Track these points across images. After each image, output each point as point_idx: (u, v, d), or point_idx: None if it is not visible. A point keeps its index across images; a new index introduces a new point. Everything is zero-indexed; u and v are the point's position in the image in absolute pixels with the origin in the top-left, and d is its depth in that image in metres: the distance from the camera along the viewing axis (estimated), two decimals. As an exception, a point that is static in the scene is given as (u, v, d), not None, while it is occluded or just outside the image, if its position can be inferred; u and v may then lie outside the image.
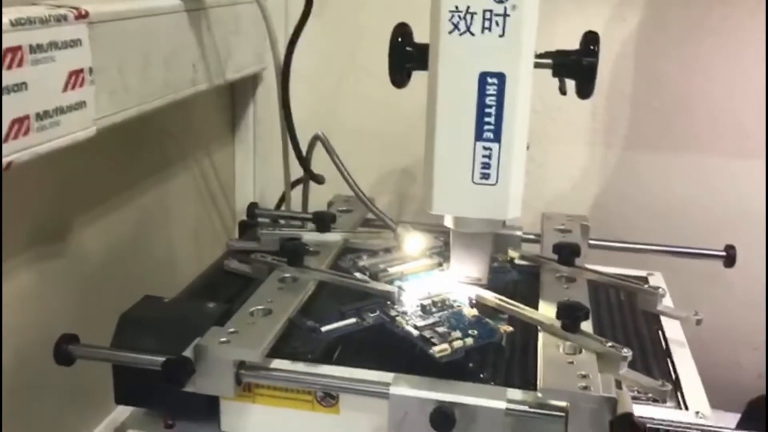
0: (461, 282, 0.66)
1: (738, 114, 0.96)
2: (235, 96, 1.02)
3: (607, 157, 1.01)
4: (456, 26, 0.57)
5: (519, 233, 0.82)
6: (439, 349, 0.54)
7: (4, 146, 0.51)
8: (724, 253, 0.79)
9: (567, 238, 0.78)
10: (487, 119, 0.58)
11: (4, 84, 0.51)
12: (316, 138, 0.78)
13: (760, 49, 0.93)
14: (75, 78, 0.58)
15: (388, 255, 0.72)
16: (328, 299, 0.67)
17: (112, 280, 0.77)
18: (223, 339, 0.55)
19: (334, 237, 0.76)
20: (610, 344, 0.54)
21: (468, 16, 0.56)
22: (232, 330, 0.56)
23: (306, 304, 0.64)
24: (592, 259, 0.80)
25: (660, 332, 0.67)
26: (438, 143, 0.59)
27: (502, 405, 0.51)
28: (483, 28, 0.56)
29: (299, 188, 0.98)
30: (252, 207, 0.90)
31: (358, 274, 0.68)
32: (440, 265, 0.70)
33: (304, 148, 0.88)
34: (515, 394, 0.54)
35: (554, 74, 0.64)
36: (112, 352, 0.58)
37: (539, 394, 0.50)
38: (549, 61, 0.62)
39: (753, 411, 0.92)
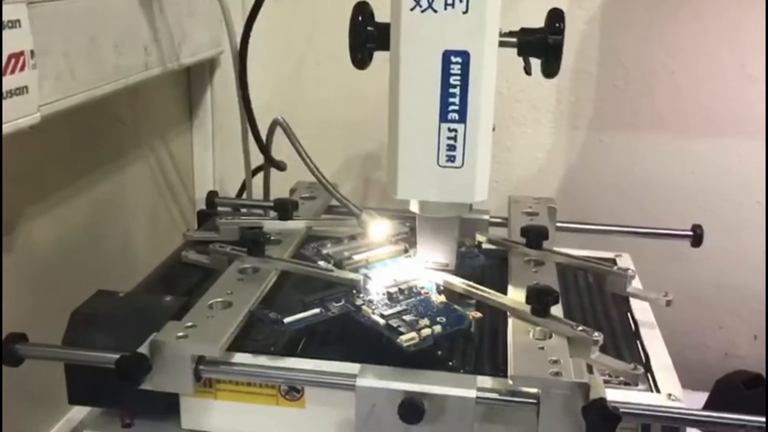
0: (428, 268, 0.64)
1: (701, 92, 0.96)
2: (192, 81, 0.99)
3: (572, 139, 1.01)
4: (418, 2, 0.54)
5: (486, 217, 0.81)
6: (407, 338, 0.53)
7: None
8: (691, 233, 0.79)
9: (534, 222, 0.77)
10: (451, 99, 0.56)
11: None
12: (275, 123, 0.76)
13: (724, 25, 0.93)
14: (15, 61, 0.55)
15: (353, 242, 0.70)
16: (291, 290, 0.65)
17: (64, 274, 0.73)
18: (180, 334, 0.52)
19: (296, 225, 0.73)
20: (580, 328, 0.52)
21: (430, -8, 0.54)
22: (189, 324, 0.54)
23: (268, 295, 0.62)
24: (559, 242, 0.79)
25: (629, 315, 0.66)
26: (402, 126, 0.57)
27: (472, 394, 0.49)
28: (446, 5, 0.54)
29: (261, 176, 0.95)
30: (211, 196, 0.88)
31: (322, 263, 0.66)
32: (406, 251, 0.68)
33: (264, 135, 0.85)
34: (485, 381, 0.52)
35: (519, 53, 0.62)
36: (63, 351, 0.55)
37: (510, 382, 0.48)
38: (514, 39, 0.61)
39: (721, 390, 0.92)
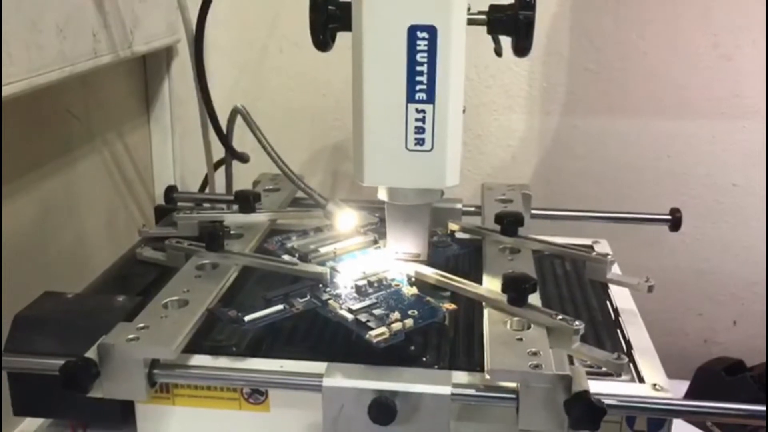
0: (399, 259, 0.61)
1: (674, 73, 0.93)
2: (148, 71, 0.94)
3: (545, 125, 0.98)
4: (381, -26, 0.51)
5: (459, 206, 0.77)
6: (376, 334, 0.49)
7: None
8: (669, 217, 0.77)
9: (509, 209, 0.74)
10: (418, 78, 0.53)
11: None
12: (235, 111, 0.72)
13: (695, 4, 0.91)
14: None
15: (319, 234, 0.66)
16: (253, 286, 0.61)
17: (9, 278, 0.69)
18: (131, 336, 0.48)
19: (259, 218, 0.70)
20: (560, 317, 0.49)
21: (393, -37, 0.51)
22: (141, 325, 0.50)
23: (228, 292, 0.58)
24: (535, 230, 0.77)
25: (609, 302, 0.63)
26: (367, 108, 0.54)
27: (446, 390, 0.46)
28: (410, -24, 0.51)
29: (224, 170, 0.91)
30: (170, 191, 0.83)
31: (286, 257, 0.62)
32: (376, 242, 0.64)
33: (225, 126, 0.81)
34: (461, 377, 0.49)
35: (489, 31, 0.59)
36: (3, 357, 0.51)
37: (487, 376, 0.45)
38: (483, 17, 0.57)
39: (702, 378, 0.91)
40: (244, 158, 0.85)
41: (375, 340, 0.49)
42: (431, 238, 0.66)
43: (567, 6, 0.92)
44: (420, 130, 0.54)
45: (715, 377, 0.88)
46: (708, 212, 0.97)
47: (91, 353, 0.48)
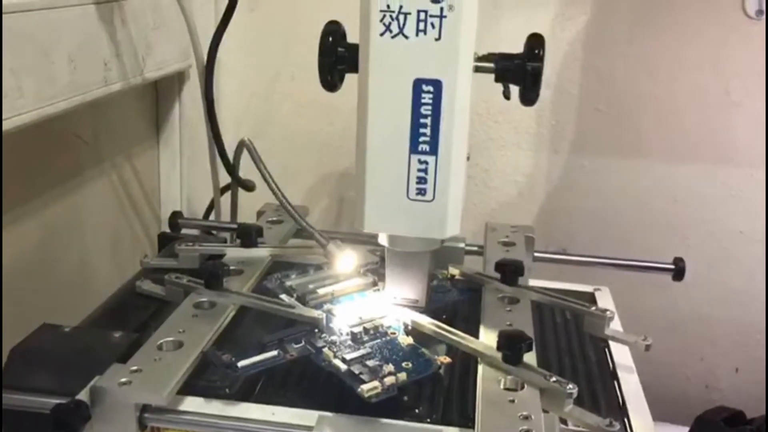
0: (397, 304, 0.61)
1: (685, 117, 0.93)
2: (160, 95, 0.95)
3: (553, 163, 0.98)
4: (388, 28, 0.51)
5: (462, 245, 0.77)
6: (369, 388, 0.49)
7: None
8: (672, 266, 0.76)
9: (511, 252, 0.73)
10: (422, 130, 0.53)
11: None
12: (242, 144, 0.72)
13: (707, 50, 0.90)
14: (-49, 80, 0.51)
15: (319, 273, 0.66)
16: (250, 325, 0.61)
17: (13, 301, 0.69)
18: (123, 380, 0.48)
19: (260, 253, 0.70)
20: (554, 379, 0.49)
21: (401, 17, 0.51)
22: (135, 368, 0.50)
23: (225, 332, 0.58)
24: (537, 271, 0.76)
25: (608, 356, 0.63)
26: (369, 156, 0.54)
27: (436, 452, 0.46)
28: (417, 31, 0.51)
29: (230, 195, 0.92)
30: (174, 217, 0.84)
31: (284, 296, 0.62)
32: (375, 284, 0.64)
33: (231, 145, 0.81)
34: (452, 435, 0.49)
35: (497, 80, 0.59)
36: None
37: (476, 442, 0.45)
38: (491, 65, 0.57)
39: (701, 427, 0.90)
40: (249, 187, 0.85)
41: (367, 395, 0.49)
42: (431, 282, 0.66)
43: (578, 46, 0.92)
44: (422, 180, 0.54)
45: (715, 428, 0.87)
46: (713, 258, 0.97)
47: (83, 395, 0.48)
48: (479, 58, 0.66)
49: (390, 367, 0.52)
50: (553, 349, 0.64)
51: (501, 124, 0.97)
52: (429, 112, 0.52)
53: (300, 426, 0.48)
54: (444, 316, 0.65)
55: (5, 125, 0.57)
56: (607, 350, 0.63)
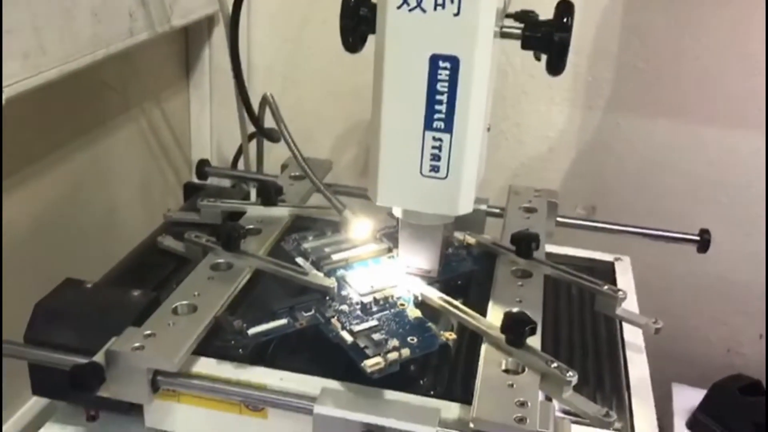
0: (410, 273, 0.61)
1: (727, 80, 0.89)
2: (190, 40, 0.94)
3: (587, 120, 0.95)
4: (405, 1, 0.50)
5: (483, 207, 0.77)
6: (371, 363, 0.50)
7: None
8: (697, 238, 0.75)
9: (531, 219, 0.73)
10: (437, 107, 0.52)
11: None
12: (264, 100, 0.72)
13: (754, 13, 0.85)
14: (-30, 44, 0.52)
15: (335, 236, 0.67)
16: (264, 288, 0.62)
17: (44, 247, 0.72)
18: (137, 344, 0.50)
19: (280, 212, 0.70)
20: (555, 365, 0.49)
21: (419, -10, 0.49)
22: (148, 333, 0.52)
23: (239, 295, 0.59)
24: (560, 234, 0.76)
25: (619, 334, 0.63)
26: (384, 131, 0.53)
27: (431, 431, 0.47)
28: (436, 5, 0.49)
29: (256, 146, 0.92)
30: (201, 165, 0.85)
31: (300, 260, 0.63)
32: (390, 251, 0.65)
33: (261, 91, 0.81)
34: (451, 410, 0.50)
35: (523, 46, 0.57)
36: (22, 349, 0.54)
37: (471, 425, 0.46)
38: (518, 32, 0.56)
39: (717, 393, 0.90)
40: (275, 138, 0.85)
41: (369, 370, 0.50)
42: (446, 250, 0.66)
43: (619, 2, 0.88)
44: (435, 157, 0.53)
45: (730, 395, 0.87)
46: (743, 223, 0.94)
47: (99, 357, 0.50)
48: (510, 15, 0.64)
49: (395, 342, 0.53)
50: (564, 323, 0.64)
51: (535, 78, 0.94)
52: (445, 89, 0.51)
53: (304, 397, 0.50)
54: (459, 282, 0.65)
55: (28, 84, 0.58)
56: (619, 328, 0.63)
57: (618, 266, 0.73)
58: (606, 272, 0.73)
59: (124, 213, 0.86)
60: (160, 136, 0.92)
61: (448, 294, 0.63)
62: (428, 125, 0.52)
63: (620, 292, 0.60)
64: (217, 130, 0.99)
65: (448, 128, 0.52)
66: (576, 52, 0.91)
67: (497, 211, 0.77)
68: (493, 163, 0.99)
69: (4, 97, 0.55)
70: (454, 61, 0.50)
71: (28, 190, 0.69)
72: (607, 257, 0.74)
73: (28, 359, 0.54)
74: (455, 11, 0.49)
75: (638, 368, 0.59)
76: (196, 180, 0.85)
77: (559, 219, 0.77)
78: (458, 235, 0.71)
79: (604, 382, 0.57)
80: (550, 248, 0.75)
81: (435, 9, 0.49)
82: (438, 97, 0.52)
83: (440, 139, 0.53)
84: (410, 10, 0.50)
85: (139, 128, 0.88)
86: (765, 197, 0.92)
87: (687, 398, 0.94)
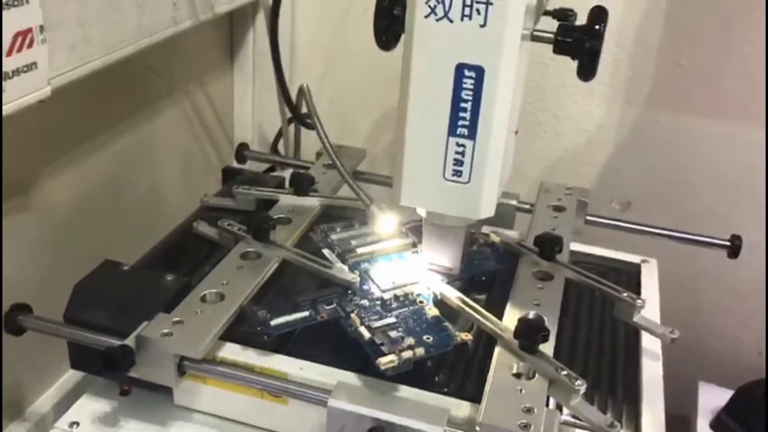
0: (431, 269, 0.63)
1: None
2: (234, 24, 0.96)
3: (625, 115, 0.94)
4: (433, 10, 0.50)
5: (513, 202, 0.78)
6: (386, 361, 0.52)
7: (-65, 124, 0.48)
8: (728, 243, 0.74)
9: (559, 219, 0.73)
10: (461, 114, 0.53)
11: (-70, 59, 0.47)
12: (301, 91, 0.73)
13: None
14: (22, 39, 0.54)
15: (362, 228, 0.69)
16: (292, 277, 0.64)
17: (88, 227, 0.75)
18: (165, 330, 0.53)
19: (311, 202, 0.72)
20: (564, 373, 0.51)
21: (447, 0, 0.50)
22: (176, 319, 0.55)
23: (266, 284, 0.62)
24: (588, 231, 0.76)
25: (638, 339, 0.63)
26: (408, 135, 0.55)
27: (438, 430, 0.49)
28: (463, 15, 0.50)
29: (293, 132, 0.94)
30: (241, 149, 0.87)
31: (326, 251, 0.65)
32: (414, 245, 0.66)
33: (303, 74, 0.83)
34: (462, 410, 0.52)
35: (555, 51, 0.57)
36: (61, 328, 0.57)
37: (477, 428, 0.48)
38: (550, 35, 0.56)
39: (742, 397, 0.90)
40: (311, 125, 0.87)
41: (383, 368, 0.52)
42: (470, 247, 0.67)
43: (663, -3, 0.87)
44: (458, 162, 0.54)
45: (756, 400, 0.87)
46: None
47: (130, 341, 0.53)
48: (548, 13, 0.64)
49: (410, 340, 0.55)
50: (584, 326, 0.65)
51: (575, 71, 0.93)
52: (469, 98, 0.52)
53: (320, 389, 0.52)
54: (483, 278, 0.67)
55: (73, 75, 0.61)
56: (638, 334, 0.64)
57: (644, 268, 0.73)
58: (632, 274, 0.73)
59: (167, 192, 0.89)
60: (203, 119, 0.94)
61: (470, 290, 0.65)
62: (452, 131, 0.53)
63: (639, 300, 0.60)
64: (259, 113, 1.02)
65: (472, 135, 0.53)
66: (617, 46, 0.90)
67: (527, 206, 0.77)
68: (529, 154, 1.00)
69: (51, 87, 0.58)
70: (479, 71, 0.51)
71: (74, 171, 0.73)
72: (634, 258, 0.74)
73: (66, 338, 0.57)
74: (482, 22, 0.50)
75: (653, 376, 0.59)
76: (236, 163, 0.87)
77: (588, 218, 0.77)
78: (486, 230, 0.72)
79: (617, 388, 0.58)
80: (578, 247, 0.75)
81: (462, 19, 0.50)
82: (462, 104, 0.52)
83: (463, 145, 0.54)
84: (437, 20, 0.50)
85: (183, 111, 0.90)
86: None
87: (713, 398, 0.94)
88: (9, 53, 0.53)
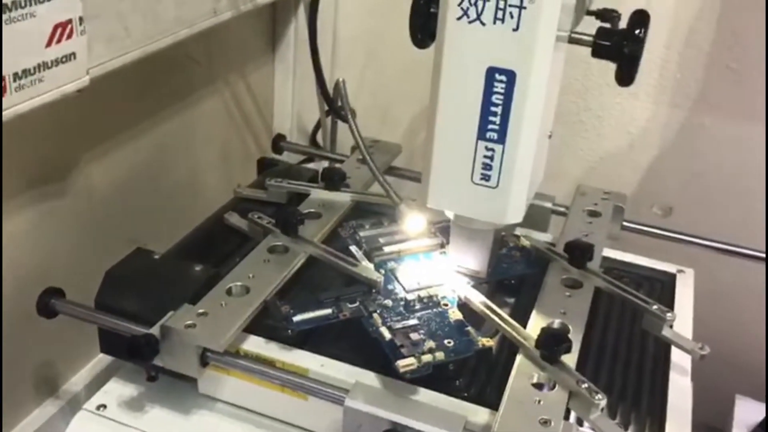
0: (458, 272, 0.62)
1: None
2: (277, 14, 0.96)
3: (671, 118, 0.92)
4: (465, 12, 0.50)
5: (549, 205, 0.76)
6: (404, 364, 0.52)
7: (-26, 112, 0.50)
8: (763, 256, 0.71)
9: (594, 224, 0.72)
10: (491, 118, 0.52)
11: (-30, 49, 0.48)
12: (337, 86, 0.73)
13: None
14: (62, 30, 0.55)
15: (391, 227, 0.68)
16: (318, 272, 0.65)
17: (125, 213, 0.77)
18: (189, 322, 0.54)
19: (342, 197, 0.72)
20: (585, 386, 0.50)
21: (479, 3, 0.49)
22: (201, 311, 0.55)
23: (293, 277, 0.62)
24: (625, 237, 0.75)
25: (668, 353, 0.62)
26: (437, 137, 0.54)
27: (454, 437, 0.49)
28: (495, 19, 0.49)
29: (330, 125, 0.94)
30: (278, 140, 0.88)
31: (353, 248, 0.65)
32: (442, 246, 0.66)
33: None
34: (479, 416, 0.51)
35: (593, 54, 0.56)
36: (91, 313, 0.59)
37: (492, 437, 0.47)
38: (589, 38, 0.55)
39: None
40: (346, 119, 0.87)
41: (401, 370, 0.52)
42: (499, 250, 0.66)
43: (716, -1, 0.84)
44: (487, 167, 0.54)
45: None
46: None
47: (155, 330, 0.54)
48: (591, 13, 0.63)
49: (431, 344, 0.54)
50: (612, 335, 0.64)
51: (619, 71, 0.91)
52: (500, 102, 0.51)
53: (338, 388, 0.52)
54: (513, 282, 0.66)
55: (110, 65, 0.62)
56: (668, 346, 0.62)
57: (680, 279, 0.71)
58: (666, 284, 0.71)
59: (205, 180, 0.90)
60: (243, 108, 0.95)
61: (499, 294, 0.65)
62: (481, 135, 0.53)
63: (669, 314, 0.59)
64: (298, 103, 1.02)
65: (501, 139, 0.52)
66: (666, 47, 0.88)
67: (562, 209, 0.76)
68: (570, 154, 0.98)
69: (89, 77, 0.59)
70: (510, 75, 0.50)
71: (114, 158, 0.74)
72: (669, 268, 0.73)
73: (94, 323, 0.59)
74: (514, 26, 0.49)
75: (680, 391, 0.58)
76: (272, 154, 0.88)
77: (625, 224, 0.76)
78: (518, 232, 0.71)
79: (642, 401, 0.57)
80: (613, 254, 0.74)
81: (494, 23, 0.49)
82: (492, 108, 0.52)
83: (492, 150, 0.53)
84: (470, 22, 0.50)
85: (223, 100, 0.91)
86: None
87: (749, 412, 0.91)
88: (49, 44, 0.54)
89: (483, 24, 0.49)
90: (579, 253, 0.63)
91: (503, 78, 0.50)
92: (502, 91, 0.51)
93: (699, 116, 0.90)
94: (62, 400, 0.75)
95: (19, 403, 0.71)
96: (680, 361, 0.61)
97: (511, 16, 0.48)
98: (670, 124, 0.92)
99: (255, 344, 0.58)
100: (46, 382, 0.74)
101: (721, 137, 0.90)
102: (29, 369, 0.72)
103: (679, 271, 0.72)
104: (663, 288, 0.71)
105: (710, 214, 0.91)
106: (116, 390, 0.60)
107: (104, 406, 0.59)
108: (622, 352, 0.62)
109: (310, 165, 0.90)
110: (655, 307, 0.59)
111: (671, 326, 0.59)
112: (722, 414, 0.93)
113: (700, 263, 0.75)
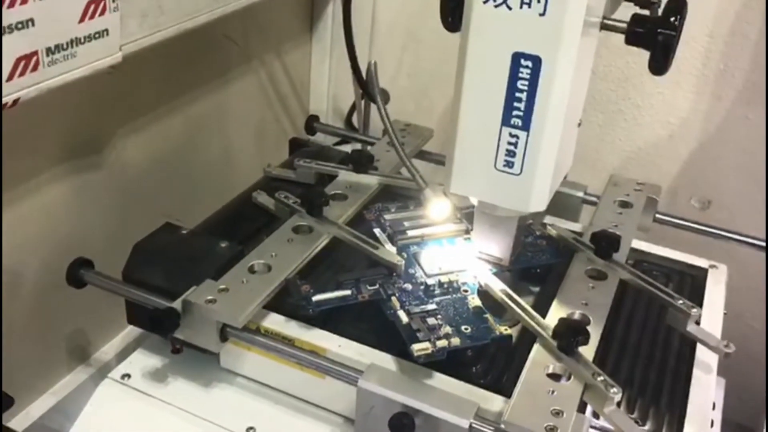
0: (481, 258, 0.62)
1: None
2: (316, -8, 0.96)
3: (713, 109, 0.89)
4: (492, -4, 0.49)
5: (580, 194, 0.75)
6: (419, 348, 0.52)
7: (7, 85, 0.51)
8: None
9: (624, 215, 0.71)
10: (516, 104, 0.51)
11: (5, 23, 0.49)
12: (369, 69, 0.73)
13: None
14: (95, 7, 0.56)
15: (417, 211, 0.68)
16: (342, 253, 0.65)
17: (158, 188, 0.78)
18: (209, 297, 0.55)
19: (369, 180, 0.73)
20: (600, 378, 0.49)
21: (506, -14, 0.48)
22: (222, 287, 0.56)
23: (317, 257, 0.63)
24: (656, 230, 0.73)
25: (693, 349, 0.60)
26: (461, 122, 0.54)
27: (464, 423, 0.48)
28: (522, 3, 0.48)
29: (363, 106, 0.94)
30: (311, 120, 0.88)
31: (377, 231, 0.65)
32: (467, 231, 0.65)
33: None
34: (493, 404, 0.51)
35: (627, 41, 0.55)
36: (117, 285, 0.60)
37: (502, 426, 0.47)
38: (623, 25, 0.54)
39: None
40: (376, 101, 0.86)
41: (416, 354, 0.52)
42: (525, 238, 0.65)
43: (765, -13, 0.81)
44: (511, 153, 0.53)
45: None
46: None
47: (177, 304, 0.55)
48: (630, 0, 0.61)
49: (447, 329, 0.54)
50: (636, 329, 0.63)
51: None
52: (525, 88, 0.50)
53: (353, 369, 0.52)
54: (538, 270, 0.65)
55: (144, 42, 0.63)
56: (694, 343, 0.61)
57: (711, 274, 0.69)
58: (697, 279, 0.70)
59: (238, 159, 0.91)
60: (278, 88, 0.96)
61: (523, 283, 0.64)
62: (506, 121, 0.52)
63: (694, 310, 0.57)
64: (334, 84, 1.02)
65: (526, 126, 0.52)
66: (710, 36, 0.85)
67: (594, 199, 0.75)
68: (608, 142, 0.96)
69: (122, 53, 0.60)
70: (536, 61, 0.49)
71: (148, 133, 0.76)
72: (701, 263, 0.71)
73: (121, 295, 0.60)
74: (541, 11, 0.48)
75: (702, 389, 0.56)
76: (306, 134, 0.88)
77: (658, 216, 0.74)
78: (548, 220, 0.70)
79: (662, 397, 0.56)
80: (644, 246, 0.73)
81: (521, 7, 0.48)
82: (517, 94, 0.51)
83: (516, 136, 0.52)
84: (496, 6, 0.49)
85: (259, 79, 0.92)
86: None
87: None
88: (81, 20, 0.55)
89: (509, 8, 0.49)
90: (605, 244, 0.62)
91: (529, 63, 0.50)
92: (528, 77, 0.50)
93: (742, 109, 0.87)
94: (93, 367, 0.77)
95: (52, 368, 0.73)
96: (706, 358, 0.59)
97: (538, 1, 0.48)
98: (712, 116, 0.89)
99: (275, 322, 0.58)
100: (78, 350, 0.76)
101: (763, 131, 0.87)
102: (62, 336, 0.74)
103: (712, 266, 0.71)
104: (693, 283, 0.69)
105: (750, 209, 0.89)
106: (141, 361, 0.62)
107: (128, 376, 0.60)
108: (646, 346, 0.61)
109: (344, 147, 0.90)
110: (680, 302, 0.58)
111: (697, 322, 0.58)
112: (754, 414, 0.91)
113: (736, 259, 0.73)
